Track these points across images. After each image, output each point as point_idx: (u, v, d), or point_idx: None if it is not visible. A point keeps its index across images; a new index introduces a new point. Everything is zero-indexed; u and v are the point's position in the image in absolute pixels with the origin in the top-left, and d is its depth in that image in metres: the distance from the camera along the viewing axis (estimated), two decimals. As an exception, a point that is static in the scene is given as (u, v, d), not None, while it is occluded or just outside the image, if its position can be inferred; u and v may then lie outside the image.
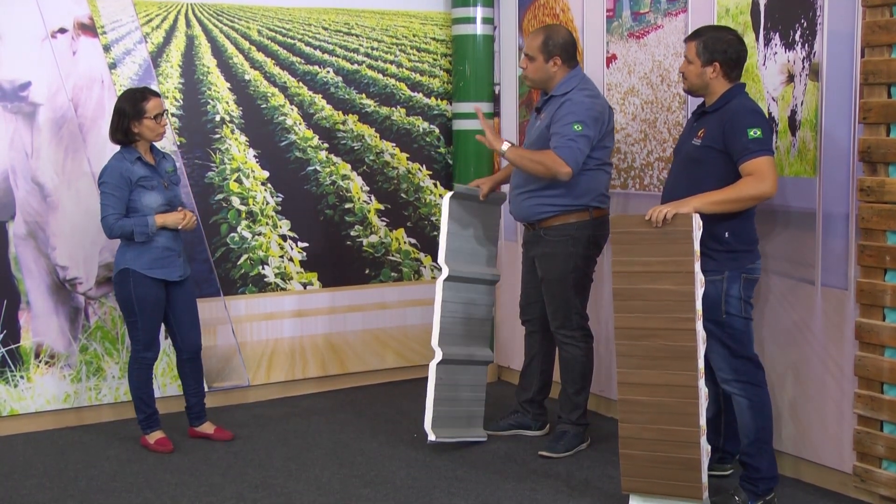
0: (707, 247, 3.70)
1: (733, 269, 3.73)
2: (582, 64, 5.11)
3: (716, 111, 3.75)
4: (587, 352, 4.58)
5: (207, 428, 4.81)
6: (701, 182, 3.71)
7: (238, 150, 5.38)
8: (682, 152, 3.87)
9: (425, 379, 5.94)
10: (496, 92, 5.81)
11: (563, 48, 4.43)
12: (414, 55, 5.91)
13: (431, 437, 4.47)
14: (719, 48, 3.73)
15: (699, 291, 3.62)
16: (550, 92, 4.46)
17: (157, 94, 4.48)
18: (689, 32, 3.91)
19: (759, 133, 3.60)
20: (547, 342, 4.77)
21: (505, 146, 4.39)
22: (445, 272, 4.53)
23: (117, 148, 4.47)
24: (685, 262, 3.60)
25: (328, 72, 5.68)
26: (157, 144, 4.65)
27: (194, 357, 4.73)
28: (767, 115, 4.08)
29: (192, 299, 4.68)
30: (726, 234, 3.71)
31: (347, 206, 5.70)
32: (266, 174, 5.46)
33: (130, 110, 4.40)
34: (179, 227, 4.49)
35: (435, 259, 5.98)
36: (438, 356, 4.53)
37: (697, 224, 3.60)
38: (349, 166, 5.70)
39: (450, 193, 4.57)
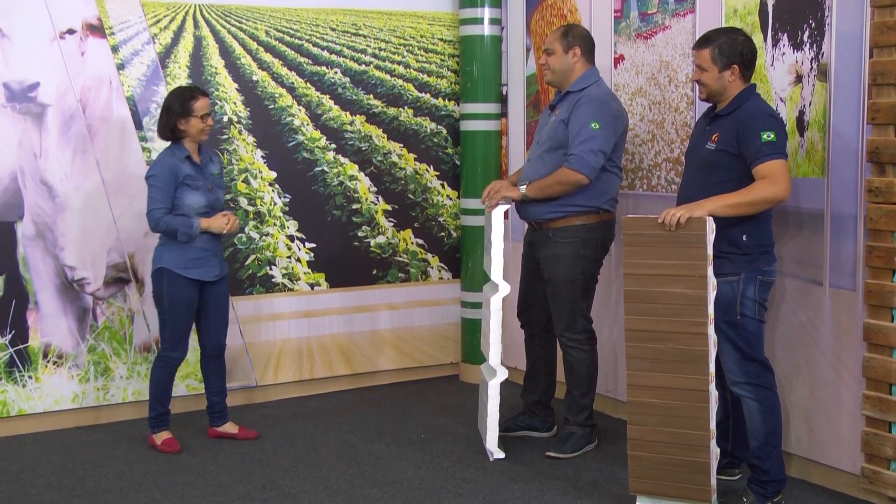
0: (723, 250, 3.70)
1: (750, 270, 3.72)
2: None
3: (729, 114, 3.74)
4: (591, 354, 4.56)
5: (230, 427, 4.80)
6: (716, 186, 3.69)
7: (246, 151, 5.39)
8: (697, 156, 3.86)
9: (432, 380, 5.98)
10: (503, 93, 5.80)
11: (582, 39, 4.45)
12: (421, 56, 5.91)
13: (500, 455, 4.45)
14: (736, 50, 3.72)
15: (711, 295, 3.61)
16: (567, 88, 4.46)
17: (205, 94, 4.51)
18: (697, 39, 3.89)
19: (772, 136, 3.59)
20: (548, 343, 4.76)
21: (522, 189, 4.42)
22: (505, 290, 4.41)
23: (125, 149, 4.48)
24: (698, 266, 3.59)
25: (336, 72, 5.69)
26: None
27: (217, 355, 4.72)
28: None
29: (224, 299, 4.69)
30: (744, 237, 3.70)
31: (355, 206, 5.70)
32: (274, 175, 5.47)
33: (178, 108, 4.43)
34: (224, 232, 4.48)
35: (442, 260, 5.98)
36: (503, 375, 4.43)
37: (711, 228, 3.58)
38: (357, 167, 5.70)
39: (503, 207, 4.42)
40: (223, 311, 4.69)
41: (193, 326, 4.67)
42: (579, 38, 4.45)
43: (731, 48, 3.73)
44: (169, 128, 4.45)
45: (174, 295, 4.48)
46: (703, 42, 3.79)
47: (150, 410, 4.66)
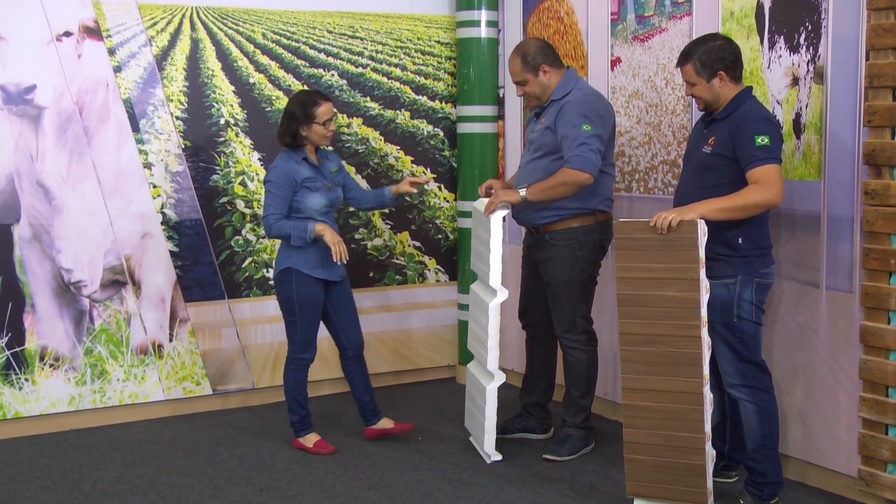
0: (720, 252, 3.70)
1: (747, 273, 3.72)
2: (586, 67, 5.11)
3: (725, 118, 3.74)
4: (591, 356, 4.57)
5: (386, 423, 4.79)
6: (712, 189, 3.70)
7: (242, 153, 5.39)
8: (693, 160, 3.86)
9: (429, 382, 5.98)
10: (500, 95, 5.81)
11: (544, 54, 4.40)
12: (418, 58, 5.91)
13: (497, 457, 4.46)
14: (716, 57, 3.72)
15: (704, 298, 3.62)
16: (549, 98, 4.44)
17: (327, 99, 4.49)
18: (678, 58, 3.87)
19: (766, 140, 3.59)
20: (548, 346, 4.76)
21: (522, 192, 4.35)
22: (503, 295, 4.38)
23: (121, 151, 4.46)
24: (690, 269, 3.59)
25: (333, 75, 5.69)
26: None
27: (359, 354, 4.71)
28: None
29: (350, 297, 4.69)
30: (740, 240, 3.71)
31: (352, 208, 5.69)
32: (270, 177, 5.46)
33: (301, 114, 4.41)
34: (332, 251, 4.33)
35: (439, 262, 5.98)
36: (500, 379, 4.42)
37: (703, 231, 3.59)
38: (354, 169, 5.69)
39: (501, 212, 4.38)
40: (354, 308, 4.69)
41: (325, 327, 4.67)
42: (541, 56, 4.38)
43: (710, 56, 3.73)
44: (290, 134, 4.44)
45: (304, 295, 4.47)
46: (683, 59, 3.80)
47: (292, 415, 4.63)
